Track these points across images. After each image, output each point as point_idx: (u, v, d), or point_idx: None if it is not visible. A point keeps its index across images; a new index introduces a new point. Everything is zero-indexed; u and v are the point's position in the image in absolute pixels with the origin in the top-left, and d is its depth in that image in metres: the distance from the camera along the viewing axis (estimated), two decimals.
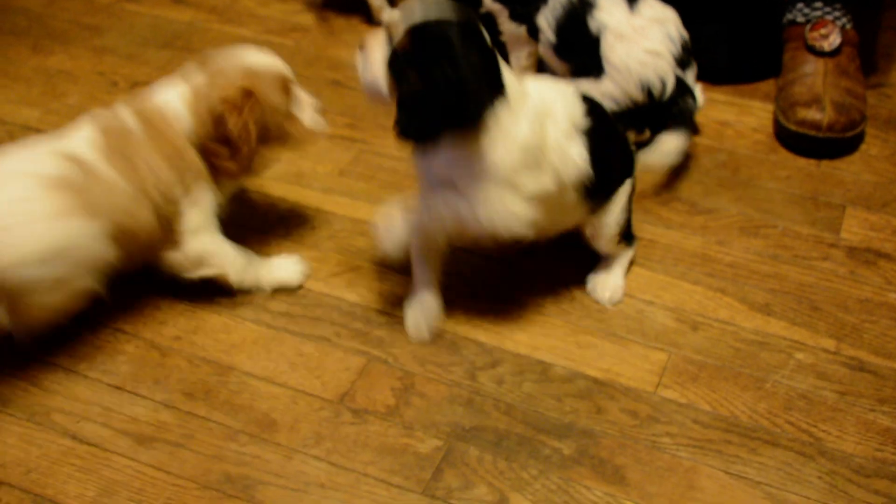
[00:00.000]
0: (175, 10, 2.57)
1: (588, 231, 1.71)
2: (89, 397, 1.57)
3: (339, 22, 2.50)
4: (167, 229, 1.61)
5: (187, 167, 1.61)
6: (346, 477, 1.45)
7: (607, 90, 1.88)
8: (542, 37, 1.99)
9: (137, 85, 2.26)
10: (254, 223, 1.89)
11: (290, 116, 1.68)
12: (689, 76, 1.91)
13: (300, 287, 1.76)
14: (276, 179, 1.97)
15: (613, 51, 1.88)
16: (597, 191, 1.60)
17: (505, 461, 1.47)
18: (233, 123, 1.58)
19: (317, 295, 1.75)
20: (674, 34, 1.89)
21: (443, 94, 1.41)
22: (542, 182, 1.50)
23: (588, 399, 1.57)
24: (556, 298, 1.74)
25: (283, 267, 1.76)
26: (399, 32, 1.44)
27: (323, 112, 1.75)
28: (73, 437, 1.51)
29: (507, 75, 1.47)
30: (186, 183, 1.61)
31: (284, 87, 1.66)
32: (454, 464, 1.46)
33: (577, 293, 1.75)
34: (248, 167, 1.65)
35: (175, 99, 1.62)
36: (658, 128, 1.89)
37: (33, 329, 1.54)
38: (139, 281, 1.70)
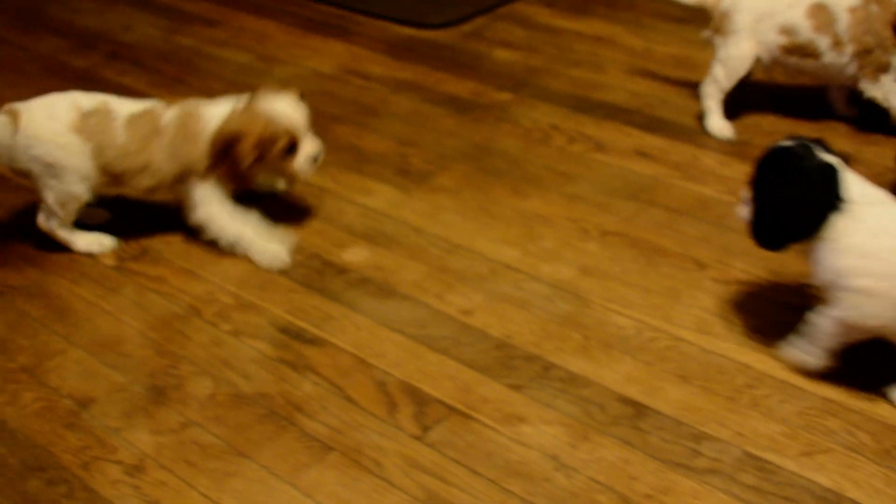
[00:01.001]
0: (641, 164, 2.67)
1: None
2: None
3: None
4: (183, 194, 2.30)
5: (199, 159, 2.22)
6: None
7: None
8: None
9: (607, 234, 2.36)
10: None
11: (286, 159, 2.24)
12: None
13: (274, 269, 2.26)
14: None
15: None
16: None
17: None
18: (237, 150, 2.18)
19: (787, 473, 1.72)
20: None
21: (774, 211, 1.81)
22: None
23: None
24: None
25: (266, 251, 2.27)
26: None
27: (319, 161, 2.30)
28: None
29: (856, 188, 1.76)
30: (196, 170, 2.24)
31: (291, 137, 2.21)
32: None
33: None
34: (238, 181, 2.26)
35: (219, 114, 2.22)
36: None
37: None
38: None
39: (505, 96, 3.05)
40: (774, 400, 1.87)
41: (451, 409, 1.87)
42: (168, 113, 2.25)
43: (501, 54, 3.35)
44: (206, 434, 1.83)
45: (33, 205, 2.34)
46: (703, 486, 1.71)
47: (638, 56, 3.29)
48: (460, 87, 3.13)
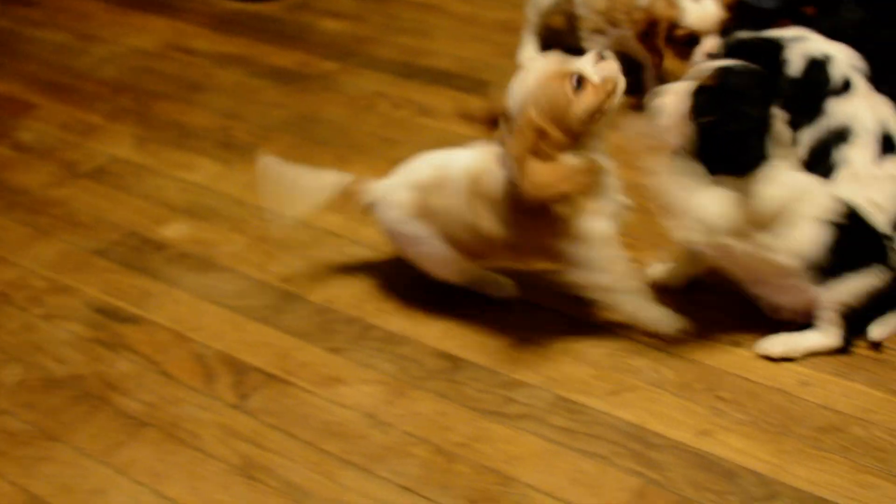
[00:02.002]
0: (463, 126, 2.66)
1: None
2: (381, 496, 1.61)
3: None
4: None
5: None
6: None
7: None
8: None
9: None
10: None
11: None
12: None
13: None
14: None
15: (841, 185, 1.87)
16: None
17: None
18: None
19: (595, 412, 1.75)
20: None
21: (736, 132, 1.66)
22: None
23: None
24: (836, 434, 1.67)
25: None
26: (706, 72, 1.69)
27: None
28: None
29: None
30: None
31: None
32: None
33: (858, 430, 1.68)
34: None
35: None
36: None
37: None
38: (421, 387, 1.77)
39: (331, 66, 3.02)
40: (586, 344, 1.90)
41: (270, 377, 1.85)
42: None
43: (329, 24, 3.31)
44: (14, 421, 1.76)
45: None
46: (515, 430, 1.73)
47: (465, 21, 3.29)
48: (286, 58, 3.08)
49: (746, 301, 1.89)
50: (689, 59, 2.43)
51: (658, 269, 2.00)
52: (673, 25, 2.42)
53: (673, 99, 1.72)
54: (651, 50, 2.50)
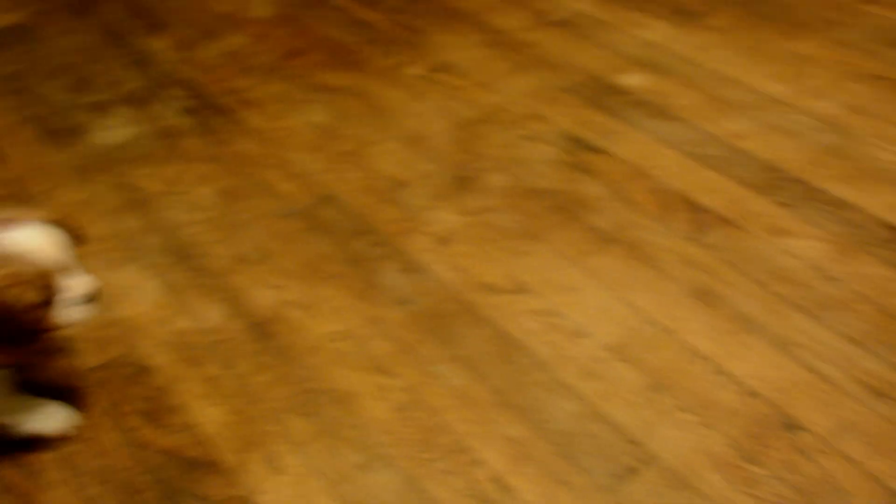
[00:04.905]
0: None
1: None
2: (828, 341, 1.58)
3: None
4: None
5: None
6: None
7: None
8: None
9: (878, 78, 2.22)
10: None
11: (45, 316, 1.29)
12: None
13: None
14: None
15: None
16: None
17: None
18: None
19: None
20: None
21: None
22: None
23: None
24: None
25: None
26: None
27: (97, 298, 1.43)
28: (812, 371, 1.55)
29: None
30: None
31: (45, 283, 1.27)
32: None
33: None
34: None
35: None
36: None
37: None
38: None
39: None
40: None
41: (722, 219, 1.84)
42: None
43: None
44: (502, 218, 1.88)
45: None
46: None
47: None
48: None
49: None
50: None
51: None
52: None
53: None
54: None
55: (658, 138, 2.05)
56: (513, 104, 2.20)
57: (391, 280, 1.75)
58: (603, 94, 2.20)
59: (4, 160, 2.18)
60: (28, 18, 2.84)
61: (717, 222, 1.82)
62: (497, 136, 2.10)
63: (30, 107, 2.38)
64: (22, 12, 2.88)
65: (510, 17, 2.56)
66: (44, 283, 1.25)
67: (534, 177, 1.97)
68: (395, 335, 1.63)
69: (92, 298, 1.34)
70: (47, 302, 1.27)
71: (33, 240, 1.26)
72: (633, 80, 2.25)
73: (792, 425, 1.43)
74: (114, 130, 2.25)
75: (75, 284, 1.31)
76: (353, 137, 2.13)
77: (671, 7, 2.55)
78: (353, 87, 2.32)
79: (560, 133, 2.09)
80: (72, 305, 1.31)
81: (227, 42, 2.59)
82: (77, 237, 1.36)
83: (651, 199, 1.89)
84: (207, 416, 1.51)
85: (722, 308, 1.64)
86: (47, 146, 2.21)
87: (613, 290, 1.69)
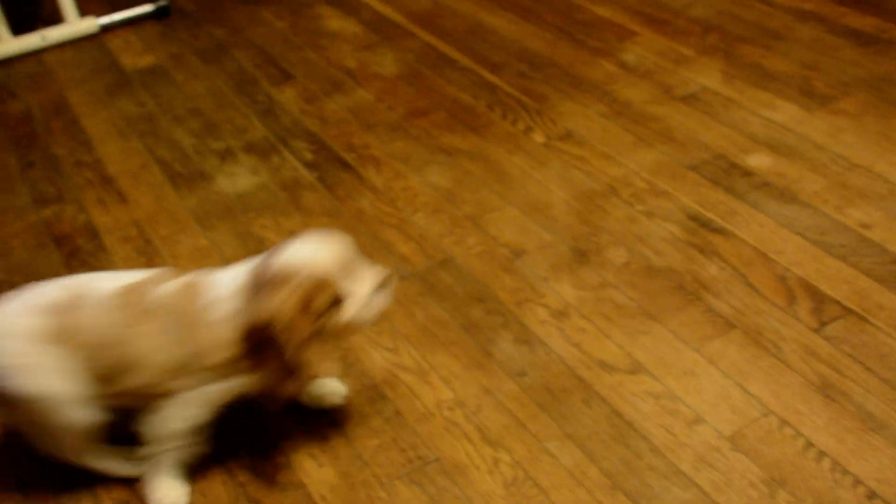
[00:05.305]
0: None
1: None
2: None
3: None
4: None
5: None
6: None
7: None
8: None
9: None
10: None
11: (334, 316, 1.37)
12: None
13: None
14: None
15: None
16: None
17: None
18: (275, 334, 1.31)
19: None
20: None
21: None
22: None
23: None
24: None
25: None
26: None
27: (390, 290, 1.45)
28: None
29: None
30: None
31: (331, 288, 1.34)
32: None
33: None
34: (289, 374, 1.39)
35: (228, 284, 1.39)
36: None
37: None
38: None
39: None
40: None
41: (848, 310, 1.79)
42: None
43: None
44: (620, 295, 1.86)
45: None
46: None
47: None
48: (863, 21, 2.91)
49: None
50: None
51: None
52: None
53: None
54: None
55: (782, 223, 2.01)
56: (635, 178, 2.19)
57: (506, 350, 1.74)
58: (727, 174, 2.18)
59: (132, 201, 2.26)
60: (163, 61, 2.96)
61: (841, 313, 1.77)
62: (618, 210, 2.09)
63: (159, 149, 2.47)
64: (157, 55, 3.00)
65: (636, 90, 2.56)
66: (330, 289, 1.33)
67: (653, 254, 1.95)
68: (508, 407, 1.62)
69: (384, 286, 1.41)
70: (336, 304, 1.35)
71: (313, 249, 1.35)
72: (759, 161, 2.22)
73: None
74: (238, 178, 2.32)
75: (363, 280, 1.38)
76: (473, 202, 2.15)
77: (799, 88, 2.52)
78: (475, 151, 2.35)
79: (682, 211, 2.07)
80: (365, 302, 1.38)
81: (352, 97, 2.65)
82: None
83: (773, 285, 1.85)
84: (314, 477, 1.52)
85: (845, 404, 1.59)
86: (173, 190, 2.29)
87: (732, 377, 1.66)
